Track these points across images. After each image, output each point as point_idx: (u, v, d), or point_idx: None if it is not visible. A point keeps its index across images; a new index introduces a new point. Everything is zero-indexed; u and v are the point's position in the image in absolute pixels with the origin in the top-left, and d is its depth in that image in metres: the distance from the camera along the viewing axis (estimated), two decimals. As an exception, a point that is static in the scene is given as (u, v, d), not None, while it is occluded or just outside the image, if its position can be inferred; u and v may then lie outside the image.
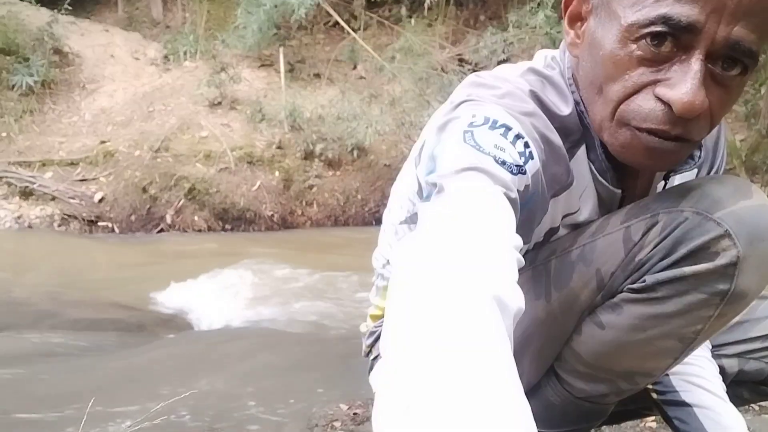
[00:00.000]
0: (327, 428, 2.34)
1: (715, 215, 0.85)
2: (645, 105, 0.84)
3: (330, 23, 11.54)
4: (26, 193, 8.19)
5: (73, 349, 4.02)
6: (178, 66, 10.45)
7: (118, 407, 2.78)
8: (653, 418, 2.17)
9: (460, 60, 10.06)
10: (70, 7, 10.27)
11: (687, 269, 0.86)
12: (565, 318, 1.00)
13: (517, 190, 0.79)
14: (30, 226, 7.92)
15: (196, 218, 8.25)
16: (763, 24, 0.80)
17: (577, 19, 0.93)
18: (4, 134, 9.02)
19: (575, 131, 0.97)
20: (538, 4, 8.72)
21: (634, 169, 0.99)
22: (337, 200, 8.89)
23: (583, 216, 1.01)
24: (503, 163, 0.78)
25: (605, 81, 0.87)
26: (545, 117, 0.92)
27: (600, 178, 0.99)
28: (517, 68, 1.00)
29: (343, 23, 10.79)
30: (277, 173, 8.79)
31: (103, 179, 8.52)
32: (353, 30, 10.79)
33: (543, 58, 1.03)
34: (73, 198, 8.18)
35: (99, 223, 8.15)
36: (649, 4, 0.80)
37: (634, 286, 0.91)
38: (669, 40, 0.80)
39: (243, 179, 8.60)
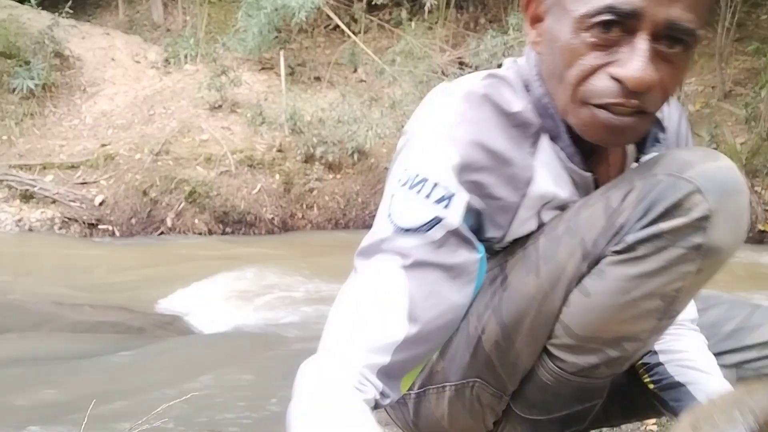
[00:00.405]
0: (327, 431, 2.34)
1: (686, 174, 0.92)
2: (600, 84, 0.94)
3: (330, 26, 11.56)
4: (27, 196, 8.20)
5: (73, 352, 4.02)
6: (179, 69, 10.47)
7: (119, 409, 2.78)
8: (654, 420, 2.17)
9: (461, 63, 10.07)
10: (71, 11, 10.29)
11: (663, 225, 0.92)
12: (554, 291, 1.02)
13: (446, 232, 0.96)
14: (30, 229, 7.93)
15: (196, 221, 8.26)
16: (697, 4, 0.92)
17: (536, 20, 1.03)
18: (4, 137, 9.03)
19: (533, 123, 1.04)
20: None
21: (604, 152, 1.07)
22: (337, 203, 8.90)
23: (562, 197, 1.06)
24: (417, 229, 0.96)
25: (564, 69, 0.97)
26: (493, 122, 1.02)
27: (569, 164, 1.05)
28: (480, 75, 1.09)
29: (343, 26, 10.80)
30: (277, 176, 8.79)
31: (104, 182, 8.52)
32: (354, 33, 10.81)
33: (507, 62, 1.13)
34: (73, 201, 8.18)
35: (99, 226, 8.16)
36: None
37: (616, 248, 0.95)
38: (616, 25, 0.91)
39: (243, 182, 8.61)
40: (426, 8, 10.39)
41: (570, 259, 1.00)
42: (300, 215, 8.77)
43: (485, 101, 1.03)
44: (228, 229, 8.34)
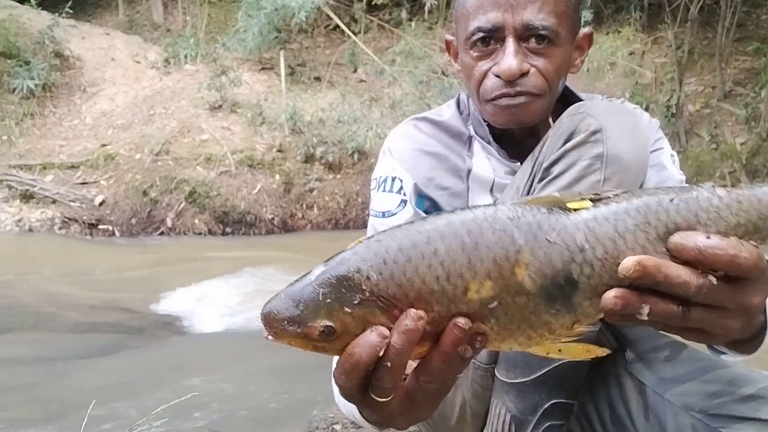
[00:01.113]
0: (327, 431, 2.34)
1: (581, 110, 1.16)
2: (489, 83, 1.25)
3: (330, 26, 11.57)
4: (27, 197, 8.20)
5: (73, 352, 4.02)
6: (179, 69, 10.47)
7: (119, 409, 2.78)
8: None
9: (461, 63, 10.07)
10: (71, 11, 10.30)
11: (568, 144, 1.13)
12: None
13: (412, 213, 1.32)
14: (30, 230, 7.93)
15: (196, 221, 8.26)
16: (545, 4, 1.21)
17: (456, 56, 1.36)
18: (4, 137, 9.03)
19: (464, 132, 1.40)
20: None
21: (526, 145, 1.29)
22: (337, 203, 8.90)
23: (504, 182, 1.34)
24: (389, 213, 1.34)
25: (468, 81, 1.30)
26: (430, 134, 1.40)
27: (497, 158, 1.35)
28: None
29: (343, 26, 10.81)
30: (277, 176, 8.80)
31: (104, 182, 8.53)
32: (354, 33, 10.81)
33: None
34: (73, 201, 8.19)
35: (99, 227, 8.16)
36: (468, 24, 1.24)
37: (538, 178, 1.16)
38: (489, 39, 1.23)
39: (243, 182, 8.61)
40: (426, 8, 10.39)
41: None
42: (300, 215, 8.77)
43: (425, 120, 1.43)
44: (228, 229, 8.34)
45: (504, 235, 0.70)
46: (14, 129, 9.12)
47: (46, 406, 2.99)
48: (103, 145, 8.98)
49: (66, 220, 8.10)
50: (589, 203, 0.73)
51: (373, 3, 10.96)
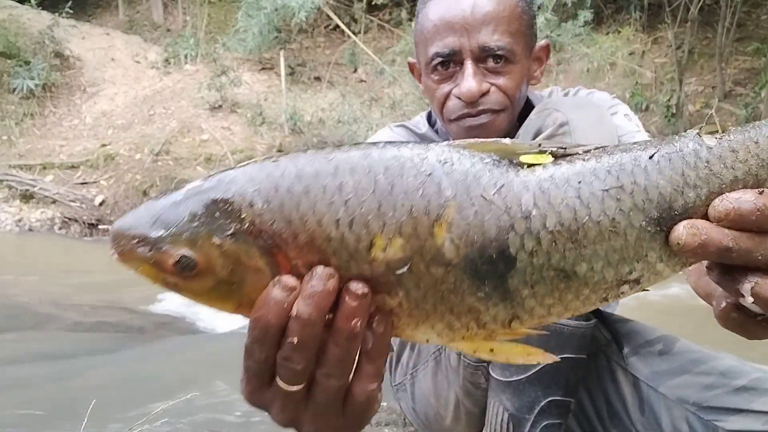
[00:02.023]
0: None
1: (547, 106, 1.20)
2: (451, 104, 1.31)
3: (330, 26, 11.57)
4: (27, 197, 8.20)
5: (73, 352, 4.02)
6: (179, 69, 10.47)
7: (119, 410, 2.78)
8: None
9: (461, 63, 10.08)
10: (71, 11, 10.29)
11: (537, 139, 1.14)
12: None
13: None
14: (31, 230, 7.93)
15: (196, 221, 8.26)
16: (499, 26, 1.25)
17: (419, 77, 1.42)
18: (5, 137, 9.03)
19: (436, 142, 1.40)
20: (538, 7, 8.73)
21: None
22: (337, 203, 8.91)
23: None
24: None
25: (432, 102, 1.36)
26: (412, 140, 1.44)
27: None
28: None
29: (343, 26, 10.81)
30: (277, 176, 8.80)
31: (104, 182, 8.53)
32: (354, 33, 10.81)
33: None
34: (73, 201, 8.19)
35: (99, 226, 8.16)
36: (427, 49, 1.30)
37: None
38: (448, 63, 1.29)
39: (243, 182, 8.61)
40: (426, 8, 10.39)
41: None
42: (300, 215, 8.77)
43: (402, 128, 1.52)
44: (228, 229, 8.34)
45: (428, 181, 0.54)
46: (14, 129, 9.12)
47: (46, 406, 2.99)
48: (103, 145, 8.98)
49: (66, 220, 8.09)
50: (549, 158, 0.57)
51: (373, 3, 10.96)
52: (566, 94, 1.49)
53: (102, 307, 5.15)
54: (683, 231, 0.53)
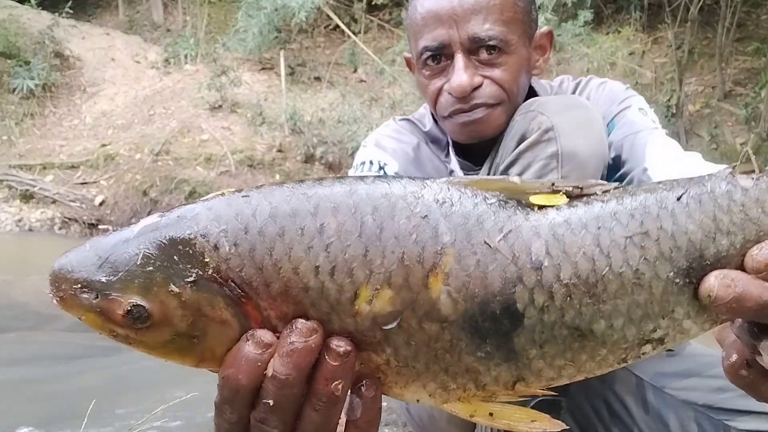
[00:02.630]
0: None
1: (532, 108, 1.14)
2: (443, 100, 1.25)
3: (330, 26, 11.56)
4: (27, 197, 8.20)
5: (73, 352, 4.01)
6: (179, 69, 10.47)
7: (119, 409, 2.78)
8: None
9: (461, 63, 10.07)
10: (71, 11, 10.29)
11: (522, 146, 1.11)
12: None
13: None
14: (31, 230, 7.92)
15: (196, 221, 8.26)
16: (490, 14, 1.17)
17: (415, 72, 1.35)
18: (5, 137, 9.03)
19: (442, 139, 1.40)
20: (539, 7, 8.72)
21: (485, 151, 1.28)
22: (337, 203, 8.90)
23: None
24: None
25: (425, 98, 1.29)
26: (411, 133, 1.40)
27: (462, 164, 1.34)
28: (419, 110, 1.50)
29: (343, 26, 10.80)
30: (277, 176, 8.79)
31: (104, 182, 8.52)
32: (354, 33, 10.81)
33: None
34: (73, 201, 8.18)
35: (99, 226, 8.15)
36: (417, 43, 1.24)
37: None
38: (438, 57, 1.23)
39: (243, 182, 8.60)
40: (426, 8, 10.38)
41: None
42: (300, 215, 8.77)
43: (407, 122, 1.45)
44: (228, 229, 8.34)
45: (423, 224, 0.47)
46: (14, 129, 9.12)
47: (46, 406, 2.99)
48: (103, 145, 8.98)
49: (66, 220, 8.09)
50: (564, 199, 0.50)
51: (373, 3, 10.95)
52: (578, 84, 1.42)
53: (102, 307, 5.14)
54: (715, 282, 0.47)
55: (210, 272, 0.47)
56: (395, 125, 1.45)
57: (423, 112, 1.47)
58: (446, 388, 0.50)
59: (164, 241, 0.47)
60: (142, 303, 0.47)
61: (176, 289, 0.47)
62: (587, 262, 0.47)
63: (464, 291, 0.47)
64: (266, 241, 0.47)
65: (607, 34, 9.63)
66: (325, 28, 11.68)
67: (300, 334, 0.46)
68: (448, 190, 0.49)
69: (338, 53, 10.96)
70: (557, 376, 0.50)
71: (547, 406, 1.20)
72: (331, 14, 10.81)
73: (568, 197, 0.50)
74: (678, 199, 0.49)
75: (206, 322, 0.48)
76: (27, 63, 9.52)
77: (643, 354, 0.51)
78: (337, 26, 11.04)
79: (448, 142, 1.39)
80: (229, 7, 11.78)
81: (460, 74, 1.19)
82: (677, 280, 0.48)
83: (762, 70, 8.52)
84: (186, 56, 10.55)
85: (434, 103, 1.28)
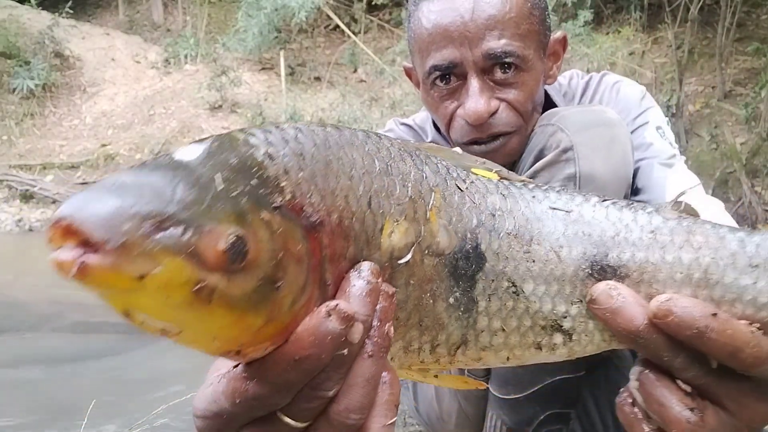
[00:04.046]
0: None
1: (552, 121, 1.06)
2: (457, 126, 1.12)
3: (330, 26, 11.56)
4: (27, 197, 8.20)
5: (74, 352, 4.01)
6: (179, 69, 10.47)
7: (119, 409, 2.78)
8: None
9: (461, 63, 10.07)
10: (71, 11, 10.29)
11: (538, 165, 1.04)
12: None
13: None
14: (31, 230, 7.92)
15: (196, 221, 8.27)
16: (506, 29, 1.05)
17: (417, 84, 1.21)
18: (5, 137, 9.03)
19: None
20: (539, 8, 8.72)
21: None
22: (337, 203, 8.91)
23: None
24: None
25: (436, 119, 1.17)
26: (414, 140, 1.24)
27: None
28: (418, 114, 1.39)
29: (343, 26, 10.80)
30: (277, 176, 8.81)
31: (104, 182, 8.54)
32: (354, 33, 10.81)
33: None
34: (73, 201, 8.19)
35: (99, 226, 8.16)
36: (424, 61, 1.11)
37: None
38: (449, 77, 1.10)
39: (243, 182, 8.62)
40: (426, 8, 10.38)
41: None
42: (300, 215, 8.77)
43: (409, 129, 1.35)
44: (228, 229, 8.34)
45: (416, 168, 0.49)
46: (14, 129, 9.12)
47: (46, 406, 2.99)
48: (103, 145, 8.98)
49: (66, 220, 8.10)
50: (497, 177, 0.55)
51: (373, 3, 10.95)
52: (588, 82, 1.33)
53: (102, 307, 5.11)
54: (603, 287, 0.50)
55: (288, 198, 0.41)
56: (398, 131, 1.38)
57: (425, 117, 1.37)
58: (408, 349, 0.50)
59: (235, 163, 0.40)
60: (241, 234, 0.38)
61: (267, 217, 0.40)
62: (524, 221, 0.52)
63: (452, 226, 0.49)
64: (322, 168, 0.43)
65: (607, 34, 9.63)
66: (325, 28, 11.68)
67: (372, 275, 0.43)
68: (416, 147, 0.52)
69: (338, 53, 10.96)
70: (488, 345, 0.52)
71: (556, 417, 1.19)
72: (331, 14, 10.81)
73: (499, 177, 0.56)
74: (603, 200, 0.54)
75: (287, 262, 0.41)
76: (27, 63, 9.52)
77: (554, 346, 0.53)
78: (337, 26, 11.04)
79: None
80: (229, 7, 11.78)
81: (476, 100, 1.07)
82: (585, 267, 0.52)
83: (762, 70, 8.52)
84: (186, 56, 10.55)
85: (447, 126, 1.15)
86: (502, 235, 0.50)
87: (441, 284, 0.49)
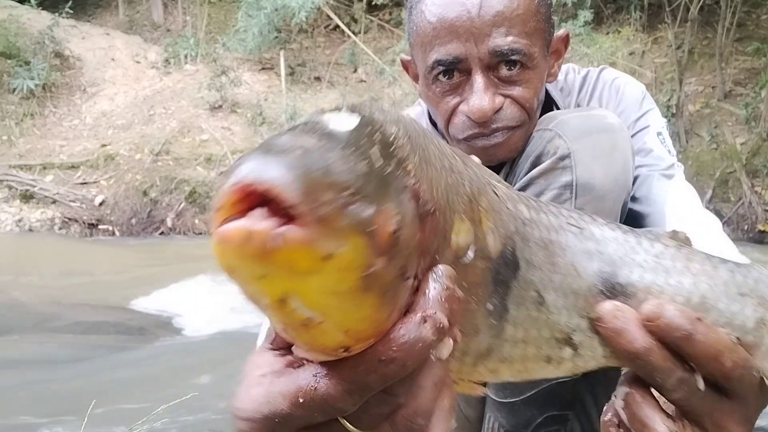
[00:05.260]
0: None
1: (550, 126, 1.04)
2: (458, 121, 1.09)
3: (330, 26, 11.56)
4: (27, 197, 8.20)
5: (73, 352, 4.02)
6: (179, 69, 10.47)
7: (119, 409, 2.79)
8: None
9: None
10: (71, 11, 10.29)
11: (534, 172, 1.02)
12: None
13: None
14: (31, 230, 7.93)
15: (196, 221, 8.26)
16: (513, 26, 1.03)
17: (415, 77, 1.19)
18: (5, 137, 9.03)
19: None
20: (539, 8, 8.73)
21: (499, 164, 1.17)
22: (337, 203, 8.90)
23: None
24: None
25: (435, 114, 1.15)
26: None
27: None
28: (410, 108, 1.34)
29: (343, 26, 10.80)
30: (277, 176, 8.80)
31: (104, 182, 8.52)
32: (354, 33, 10.81)
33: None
34: (73, 201, 8.18)
35: (99, 227, 8.15)
36: (426, 55, 1.07)
37: None
38: (452, 72, 1.06)
39: (243, 182, 8.61)
40: (426, 8, 10.39)
41: None
42: (300, 215, 8.77)
43: None
44: (228, 229, 8.34)
45: (465, 166, 0.47)
46: (14, 129, 9.12)
47: (46, 406, 2.99)
48: (103, 145, 8.98)
49: (66, 220, 8.09)
50: None
51: (373, 3, 10.95)
52: (586, 76, 1.30)
53: (102, 307, 5.15)
54: (610, 306, 0.51)
55: (412, 183, 0.38)
56: None
57: (419, 112, 1.32)
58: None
59: (380, 140, 0.37)
60: (401, 216, 0.36)
61: (407, 199, 0.37)
62: (548, 232, 0.51)
63: (497, 230, 0.47)
64: (423, 155, 0.41)
65: (607, 34, 9.64)
66: (325, 28, 11.68)
67: (449, 280, 0.41)
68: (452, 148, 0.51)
69: (338, 53, 10.96)
70: (507, 357, 0.51)
71: (553, 419, 1.19)
72: (331, 14, 10.81)
73: None
74: (607, 222, 0.55)
75: (414, 251, 0.39)
76: (27, 63, 9.52)
77: (562, 360, 0.54)
78: (337, 26, 11.04)
79: None
80: (229, 7, 11.78)
81: (481, 97, 1.04)
82: (598, 283, 0.52)
83: (762, 70, 8.52)
84: (186, 56, 10.55)
85: (447, 123, 1.12)
86: (531, 243, 0.50)
87: (486, 289, 0.47)
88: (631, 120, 1.21)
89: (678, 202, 1.13)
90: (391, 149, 0.38)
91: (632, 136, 1.16)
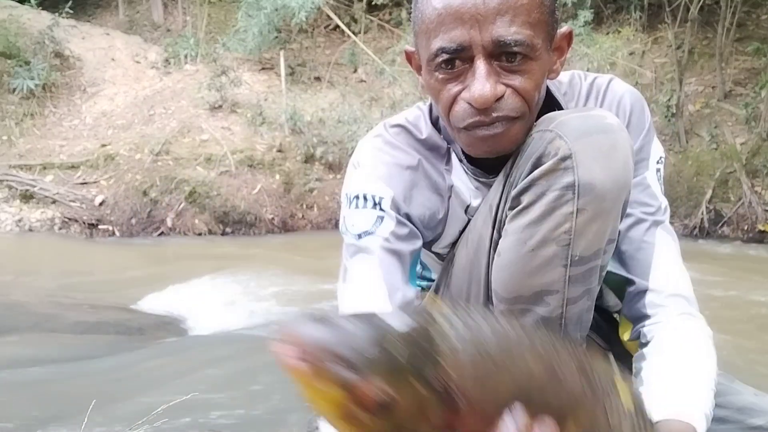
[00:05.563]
0: (327, 431, 2.34)
1: (550, 126, 1.05)
2: (459, 109, 1.10)
3: (330, 26, 11.56)
4: (27, 197, 8.20)
5: (73, 352, 4.02)
6: (179, 69, 10.47)
7: (119, 409, 2.78)
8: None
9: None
10: (71, 11, 10.29)
11: (536, 172, 1.03)
12: (478, 257, 1.15)
13: (390, 229, 1.18)
14: (31, 230, 7.93)
15: (196, 221, 8.26)
16: (517, 16, 1.04)
17: (419, 71, 1.20)
18: (5, 137, 9.03)
19: (441, 146, 1.27)
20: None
21: (499, 160, 1.18)
22: (337, 203, 8.89)
23: (475, 205, 1.25)
24: (365, 233, 1.18)
25: (437, 104, 1.15)
26: (407, 145, 1.26)
27: (470, 173, 1.24)
28: (407, 111, 1.35)
29: (343, 26, 10.80)
30: (277, 176, 8.79)
31: (104, 182, 8.52)
32: (354, 33, 10.81)
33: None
34: (73, 201, 8.18)
35: (99, 227, 8.15)
36: (430, 42, 1.08)
37: (510, 204, 1.08)
38: (455, 60, 1.07)
39: (243, 182, 8.61)
40: (426, 8, 10.37)
41: (484, 226, 1.15)
42: (300, 215, 8.77)
43: (401, 131, 1.27)
44: (228, 230, 8.34)
45: (577, 374, 0.56)
46: (14, 129, 9.12)
47: (46, 406, 2.99)
48: (103, 145, 8.98)
49: (66, 220, 8.09)
50: (630, 402, 0.62)
51: (373, 3, 10.95)
52: (592, 84, 1.30)
53: (102, 307, 5.14)
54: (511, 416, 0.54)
55: (439, 373, 0.51)
56: (387, 136, 1.28)
57: (417, 114, 1.31)
58: None
59: (416, 334, 0.51)
60: (392, 393, 0.49)
61: (417, 384, 0.50)
62: None
63: None
64: (484, 359, 0.51)
65: (607, 34, 9.63)
66: (325, 28, 11.68)
67: None
68: (584, 352, 0.60)
69: (338, 53, 10.96)
70: None
71: None
72: (331, 14, 10.81)
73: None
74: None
75: (418, 422, 0.51)
76: (27, 63, 9.51)
77: None
78: (337, 26, 11.04)
79: (448, 149, 1.26)
80: (229, 7, 11.78)
81: (483, 83, 1.05)
82: None
83: (762, 70, 8.52)
84: (186, 56, 10.55)
85: (448, 111, 1.12)
86: None
87: None
88: (636, 146, 1.21)
89: (663, 252, 1.18)
90: (420, 344, 0.50)
91: (636, 164, 1.16)
